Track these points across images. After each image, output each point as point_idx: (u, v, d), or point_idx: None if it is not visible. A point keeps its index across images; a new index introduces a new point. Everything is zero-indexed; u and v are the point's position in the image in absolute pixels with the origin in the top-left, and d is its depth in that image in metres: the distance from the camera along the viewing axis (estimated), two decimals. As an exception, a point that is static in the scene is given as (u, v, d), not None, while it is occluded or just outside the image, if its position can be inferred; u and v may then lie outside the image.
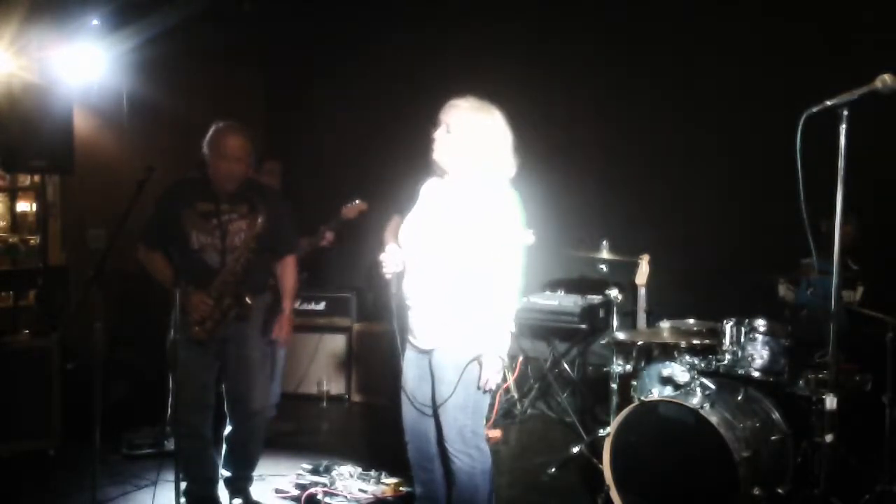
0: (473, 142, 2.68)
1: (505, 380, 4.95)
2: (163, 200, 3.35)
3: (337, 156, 6.11)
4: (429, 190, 2.85)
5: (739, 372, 3.51)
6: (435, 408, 2.72)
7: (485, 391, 2.63)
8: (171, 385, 3.39)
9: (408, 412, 2.83)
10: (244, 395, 3.38)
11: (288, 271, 3.51)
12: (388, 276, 2.75)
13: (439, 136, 2.72)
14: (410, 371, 2.82)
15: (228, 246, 3.25)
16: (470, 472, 2.69)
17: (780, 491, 3.29)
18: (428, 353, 2.73)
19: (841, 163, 2.11)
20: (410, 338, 2.78)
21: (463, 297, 2.62)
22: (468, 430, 2.67)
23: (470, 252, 2.61)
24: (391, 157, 4.61)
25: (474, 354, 2.61)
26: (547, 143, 4.80)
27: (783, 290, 4.06)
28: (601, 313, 4.80)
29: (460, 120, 2.69)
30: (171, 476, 3.13)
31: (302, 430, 4.87)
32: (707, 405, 3.22)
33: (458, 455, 2.68)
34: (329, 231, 4.52)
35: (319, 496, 3.64)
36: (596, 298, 4.82)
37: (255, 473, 3.61)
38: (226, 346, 3.33)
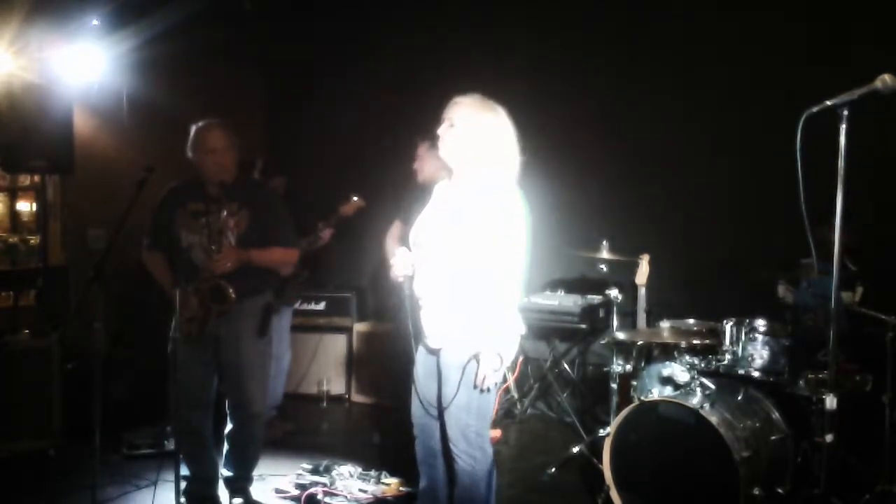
0: (477, 138, 2.68)
1: (505, 380, 4.97)
2: (160, 202, 3.40)
3: (337, 156, 6.10)
4: (440, 190, 2.86)
5: (739, 372, 3.52)
6: (440, 407, 2.73)
7: (482, 389, 2.62)
8: (171, 384, 3.39)
9: (416, 409, 2.84)
10: (241, 397, 3.39)
11: (278, 248, 3.43)
12: (399, 279, 2.76)
13: (443, 132, 2.72)
14: (420, 369, 2.83)
15: (216, 244, 3.26)
16: (472, 473, 2.69)
17: (780, 491, 3.30)
18: (436, 352, 2.74)
19: (841, 163, 2.10)
20: (422, 337, 2.79)
21: (468, 296, 2.62)
22: (472, 430, 2.67)
23: (474, 251, 2.61)
24: (392, 157, 4.60)
25: (474, 353, 2.61)
26: (547, 143, 4.79)
27: (783, 290, 4.05)
28: (601, 313, 4.80)
29: (464, 116, 2.69)
30: (171, 476, 3.13)
31: (302, 430, 4.87)
32: (707, 405, 3.22)
33: (461, 455, 2.68)
34: (328, 229, 4.50)
35: (319, 496, 3.64)
36: (596, 298, 4.82)
37: (255, 473, 3.61)
38: (219, 346, 3.33)
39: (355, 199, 4.46)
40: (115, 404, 4.30)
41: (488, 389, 2.64)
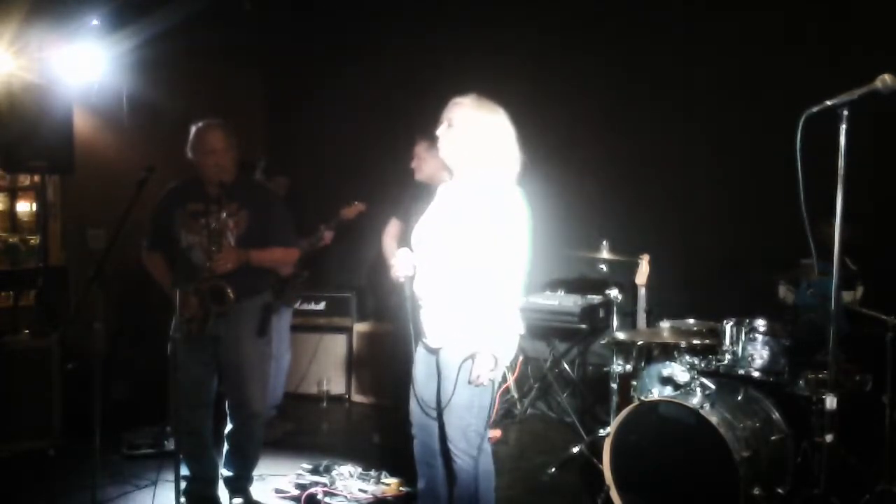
0: (477, 138, 2.68)
1: (505, 380, 4.97)
2: (160, 202, 3.41)
3: (337, 156, 6.10)
4: (442, 191, 2.86)
5: (739, 372, 3.51)
6: (439, 406, 2.73)
7: (476, 385, 2.61)
8: (171, 384, 3.39)
9: (415, 408, 2.84)
10: (241, 397, 3.39)
11: (277, 248, 3.45)
12: (400, 279, 2.76)
13: (442, 132, 2.73)
14: (420, 369, 2.83)
15: (216, 245, 3.26)
16: (471, 472, 2.69)
17: (780, 491, 3.30)
18: (436, 352, 2.74)
19: (841, 163, 2.10)
20: (422, 337, 2.79)
21: (469, 296, 2.62)
22: (472, 429, 2.67)
23: (474, 251, 2.61)
24: (391, 157, 4.60)
25: (471, 353, 2.61)
26: (547, 143, 4.79)
27: (783, 291, 4.06)
28: (601, 313, 4.80)
29: (463, 116, 2.70)
30: (171, 476, 3.13)
31: (302, 430, 4.87)
32: (707, 405, 3.22)
33: (460, 455, 2.68)
34: (329, 230, 4.53)
35: (319, 496, 3.64)
36: (596, 298, 4.82)
37: (255, 473, 3.61)
38: (219, 346, 3.33)
39: (356, 203, 4.49)
40: (115, 404, 4.31)
41: (485, 388, 2.64)
